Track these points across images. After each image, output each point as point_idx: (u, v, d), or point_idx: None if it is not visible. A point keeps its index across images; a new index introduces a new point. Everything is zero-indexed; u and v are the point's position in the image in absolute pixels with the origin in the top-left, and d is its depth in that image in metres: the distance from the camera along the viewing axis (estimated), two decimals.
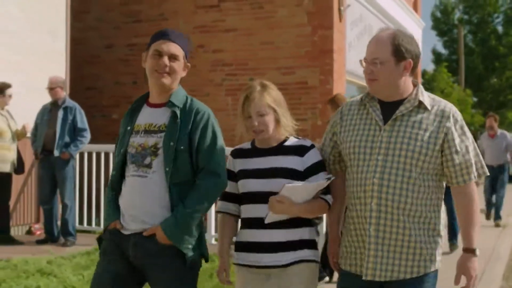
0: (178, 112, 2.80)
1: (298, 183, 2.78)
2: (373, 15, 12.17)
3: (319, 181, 2.81)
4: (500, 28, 40.43)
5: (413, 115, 2.72)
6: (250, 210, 2.91)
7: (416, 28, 16.12)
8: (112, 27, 10.72)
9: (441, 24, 41.55)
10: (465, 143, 2.71)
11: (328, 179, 2.80)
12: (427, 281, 2.73)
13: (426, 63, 48.09)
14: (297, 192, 2.78)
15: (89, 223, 8.42)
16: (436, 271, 2.78)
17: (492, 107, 35.25)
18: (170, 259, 2.70)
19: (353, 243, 2.80)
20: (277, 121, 2.91)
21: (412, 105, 2.73)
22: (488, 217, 11.20)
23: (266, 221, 2.81)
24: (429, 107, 2.73)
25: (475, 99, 34.81)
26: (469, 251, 2.71)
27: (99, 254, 2.88)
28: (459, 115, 2.75)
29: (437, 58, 40.58)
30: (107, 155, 8.23)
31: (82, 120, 7.37)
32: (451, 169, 2.71)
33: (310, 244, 2.92)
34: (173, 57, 2.80)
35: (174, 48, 2.81)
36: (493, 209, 11.15)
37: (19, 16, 8.09)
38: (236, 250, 2.94)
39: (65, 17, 8.84)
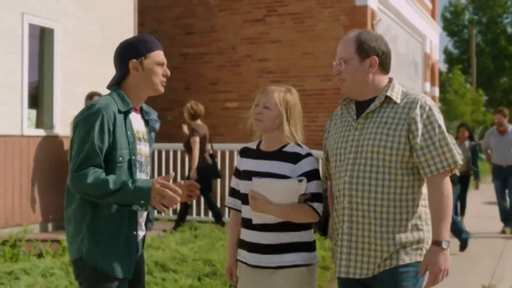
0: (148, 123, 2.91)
1: (268, 179, 2.79)
2: (397, 25, 13.37)
3: (292, 181, 2.79)
4: (509, 29, 41.32)
5: (382, 111, 2.68)
6: (244, 211, 2.94)
7: (434, 34, 17.30)
8: (166, 38, 11.94)
9: (451, 25, 42.45)
10: (430, 133, 2.60)
11: (300, 180, 2.78)
12: (401, 272, 2.62)
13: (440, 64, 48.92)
14: (270, 188, 2.77)
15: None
16: (417, 263, 2.64)
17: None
18: None
19: (335, 241, 2.80)
20: (280, 124, 2.88)
21: (380, 101, 2.68)
22: (506, 223, 9.86)
23: (254, 222, 2.82)
24: (398, 101, 2.67)
25: (485, 98, 35.81)
26: (436, 243, 2.55)
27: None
28: (429, 105, 2.64)
29: (449, 57, 41.56)
30: (160, 152, 9.55)
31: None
32: (416, 160, 2.61)
33: (304, 247, 2.88)
34: None
35: None
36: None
37: (98, 33, 9.29)
38: (238, 246, 3.02)
39: (133, 32, 10.06)
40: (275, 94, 2.88)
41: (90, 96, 8.46)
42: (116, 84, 2.79)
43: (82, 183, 2.54)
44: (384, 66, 2.74)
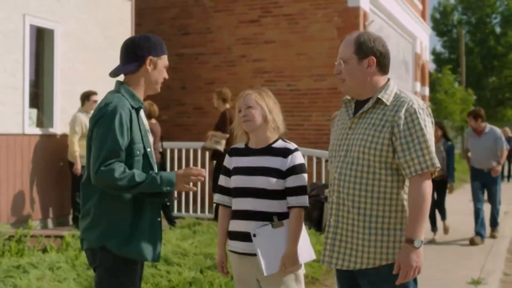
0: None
1: (261, 228, 3.08)
2: (389, 26, 13.62)
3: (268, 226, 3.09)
4: (498, 28, 41.70)
5: (373, 112, 2.76)
6: (237, 203, 3.16)
7: (424, 35, 17.58)
8: (163, 38, 12.06)
9: (441, 25, 42.74)
10: (412, 136, 2.67)
11: (272, 225, 3.08)
12: (385, 271, 2.71)
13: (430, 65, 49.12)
14: (267, 230, 3.07)
15: None
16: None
17: (491, 105, 36.70)
18: None
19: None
20: (265, 118, 3.15)
21: (372, 102, 2.76)
22: (477, 234, 8.68)
23: (302, 261, 3.14)
24: (387, 103, 2.74)
25: (475, 97, 36.14)
26: (409, 241, 2.64)
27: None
28: (415, 109, 2.69)
29: (437, 58, 41.89)
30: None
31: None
32: (397, 161, 2.70)
33: None
34: None
35: None
36: (480, 220, 8.77)
37: (98, 33, 9.47)
38: (229, 238, 3.21)
39: (131, 32, 10.24)
40: (252, 95, 3.16)
41: (87, 95, 8.55)
42: (120, 80, 2.94)
43: (110, 177, 2.69)
44: (382, 66, 2.82)
